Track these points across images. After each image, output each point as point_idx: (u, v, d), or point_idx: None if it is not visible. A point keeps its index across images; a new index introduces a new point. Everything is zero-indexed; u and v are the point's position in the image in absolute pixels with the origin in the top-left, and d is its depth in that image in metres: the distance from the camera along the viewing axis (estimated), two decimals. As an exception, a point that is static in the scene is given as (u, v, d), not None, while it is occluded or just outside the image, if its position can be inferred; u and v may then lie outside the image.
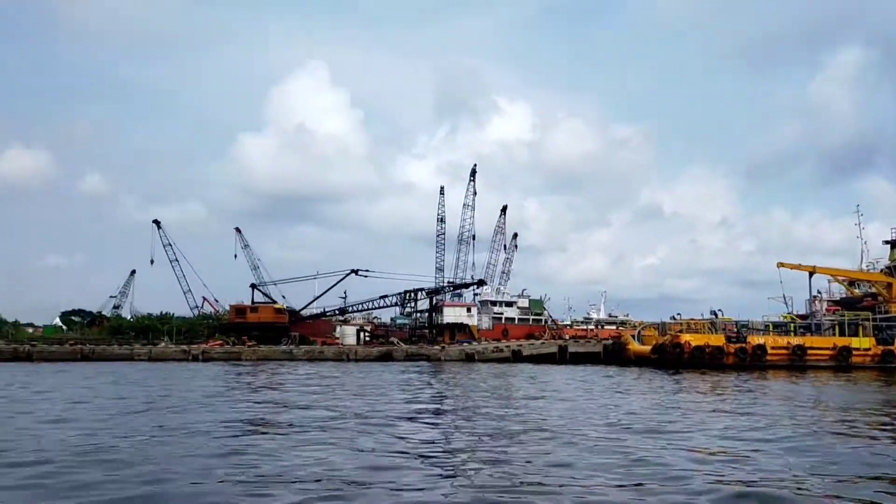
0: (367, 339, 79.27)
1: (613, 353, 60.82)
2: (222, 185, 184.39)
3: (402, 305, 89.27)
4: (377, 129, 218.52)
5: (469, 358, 62.91)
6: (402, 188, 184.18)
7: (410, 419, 17.19)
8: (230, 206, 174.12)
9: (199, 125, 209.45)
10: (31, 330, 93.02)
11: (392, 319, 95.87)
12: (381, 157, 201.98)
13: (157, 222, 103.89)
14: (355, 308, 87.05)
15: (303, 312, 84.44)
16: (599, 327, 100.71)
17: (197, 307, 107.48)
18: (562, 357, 64.23)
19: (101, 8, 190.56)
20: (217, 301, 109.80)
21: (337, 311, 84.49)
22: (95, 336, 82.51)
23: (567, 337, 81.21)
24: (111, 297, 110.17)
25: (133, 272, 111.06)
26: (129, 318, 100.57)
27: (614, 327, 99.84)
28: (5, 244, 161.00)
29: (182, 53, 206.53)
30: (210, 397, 22.80)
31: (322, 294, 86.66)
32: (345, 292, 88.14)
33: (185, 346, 60.82)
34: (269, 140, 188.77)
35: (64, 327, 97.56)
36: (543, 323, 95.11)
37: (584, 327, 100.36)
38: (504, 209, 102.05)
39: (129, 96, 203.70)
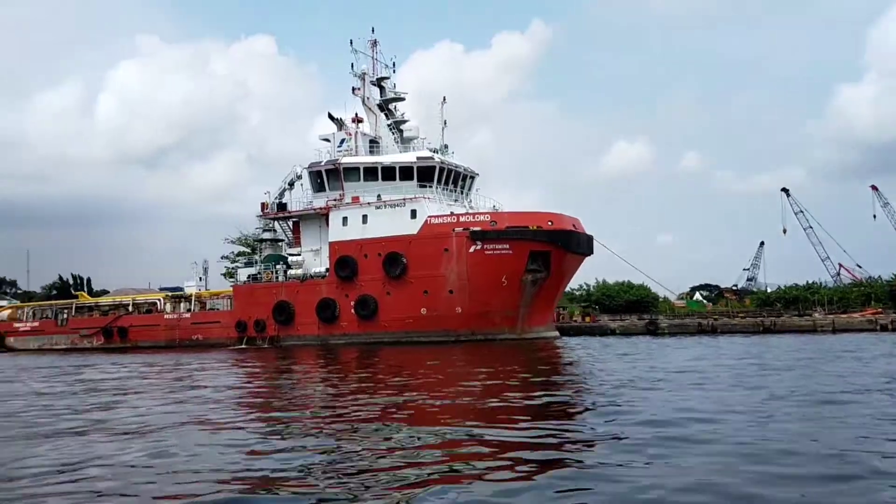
0: None
1: None
2: (822, 143, 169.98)
3: None
4: None
5: None
6: None
7: None
8: (834, 165, 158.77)
9: (786, 87, 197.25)
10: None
11: None
12: None
13: (785, 190, 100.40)
14: None
15: None
16: None
17: (838, 275, 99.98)
18: None
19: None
20: (860, 267, 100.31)
21: None
22: (740, 308, 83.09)
23: None
24: (744, 269, 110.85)
25: (762, 243, 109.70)
26: (766, 290, 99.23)
27: None
28: (627, 227, 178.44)
29: (753, 19, 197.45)
30: None
31: None
32: None
33: (869, 317, 55.80)
34: (870, 86, 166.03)
35: (704, 301, 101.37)
36: None
37: None
38: None
39: (709, 71, 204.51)
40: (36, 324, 65.95)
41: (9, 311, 72.77)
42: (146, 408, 16.56)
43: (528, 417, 13.53)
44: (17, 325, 66.85)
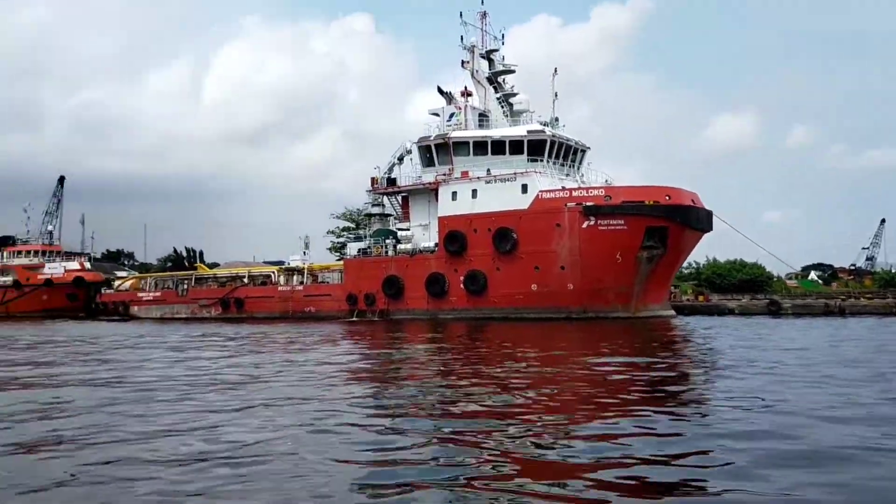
0: None
1: None
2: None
3: None
4: None
5: None
6: None
7: None
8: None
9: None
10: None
11: None
12: None
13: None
14: None
15: None
16: None
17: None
18: None
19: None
20: None
21: None
22: (861, 288, 78.27)
23: None
24: (863, 248, 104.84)
25: (883, 221, 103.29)
26: (890, 269, 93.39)
27: None
28: (731, 203, 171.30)
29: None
30: None
31: None
32: None
33: None
34: None
35: (819, 281, 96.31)
36: None
37: None
38: None
39: (818, 42, 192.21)
40: (158, 294, 69.37)
41: (132, 281, 76.89)
42: (288, 382, 16.77)
43: (698, 403, 12.82)
44: (140, 294, 70.54)
